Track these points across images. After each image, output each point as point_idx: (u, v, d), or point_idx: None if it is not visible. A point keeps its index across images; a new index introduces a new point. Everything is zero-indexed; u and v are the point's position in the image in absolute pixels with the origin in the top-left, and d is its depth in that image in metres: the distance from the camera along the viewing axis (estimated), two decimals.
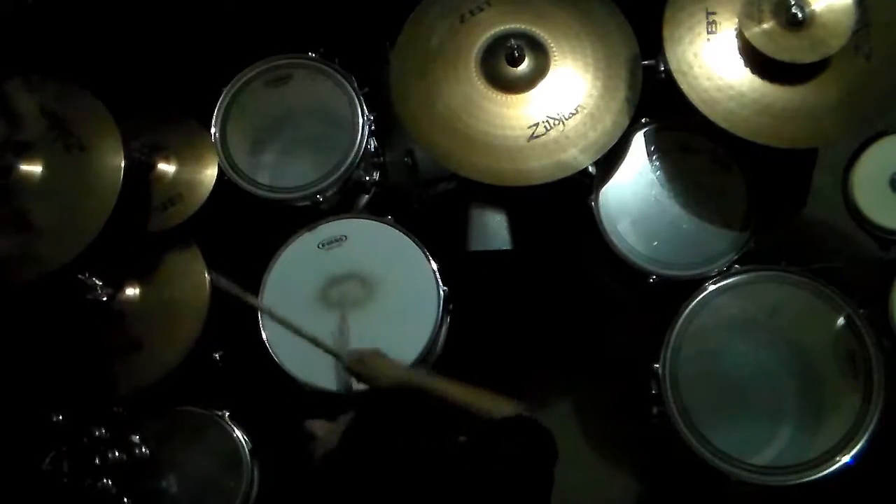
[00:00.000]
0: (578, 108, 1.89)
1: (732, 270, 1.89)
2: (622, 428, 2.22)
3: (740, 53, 1.79)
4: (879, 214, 1.86)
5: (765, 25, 1.73)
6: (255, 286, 1.96)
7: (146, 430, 1.90)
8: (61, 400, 1.83)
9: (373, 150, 2.15)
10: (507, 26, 1.97)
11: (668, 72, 1.81)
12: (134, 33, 2.15)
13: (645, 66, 1.92)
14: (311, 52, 2.12)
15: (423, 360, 1.87)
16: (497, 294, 2.22)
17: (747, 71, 1.78)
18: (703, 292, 1.87)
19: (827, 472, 1.69)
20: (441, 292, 1.91)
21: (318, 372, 1.86)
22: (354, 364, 1.68)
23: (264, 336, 1.91)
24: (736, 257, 1.92)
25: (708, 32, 1.81)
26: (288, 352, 1.89)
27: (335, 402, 1.84)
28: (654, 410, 1.86)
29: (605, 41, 1.94)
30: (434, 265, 1.95)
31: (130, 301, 2.04)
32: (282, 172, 2.18)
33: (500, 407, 1.43)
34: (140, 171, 2.05)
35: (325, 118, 2.17)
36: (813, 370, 1.88)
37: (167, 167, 2.09)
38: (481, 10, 1.99)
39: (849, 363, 1.79)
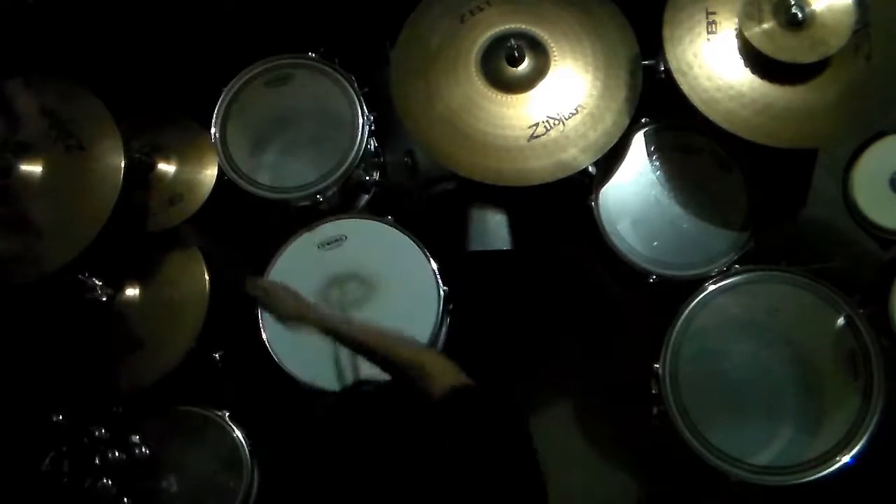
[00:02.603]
0: (578, 108, 1.89)
1: (732, 270, 1.89)
2: (622, 428, 2.22)
3: (740, 53, 1.79)
4: (879, 214, 1.86)
5: (765, 25, 1.73)
6: None
7: (146, 430, 1.90)
8: (61, 400, 1.83)
9: (373, 150, 2.15)
10: (507, 26, 1.97)
11: (668, 72, 1.81)
12: (134, 33, 2.15)
13: (645, 66, 1.92)
14: (311, 52, 2.12)
15: None
16: (497, 294, 2.22)
17: (747, 71, 1.78)
18: (703, 292, 1.87)
19: (827, 472, 1.69)
20: (441, 292, 1.91)
21: (318, 372, 1.86)
22: (256, 290, 1.65)
23: (264, 336, 1.91)
24: (736, 257, 1.92)
25: (708, 32, 1.81)
26: (288, 352, 1.89)
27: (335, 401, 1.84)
28: (654, 410, 1.86)
29: (605, 41, 1.94)
30: (434, 265, 1.95)
31: (130, 301, 2.05)
32: (282, 172, 2.18)
33: (425, 360, 1.33)
34: (140, 171, 2.05)
35: (325, 118, 2.17)
36: (813, 370, 1.87)
37: (167, 167, 2.10)
38: (481, 10, 1.99)
39: (849, 363, 1.79)
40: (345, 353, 1.83)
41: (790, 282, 1.86)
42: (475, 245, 2.12)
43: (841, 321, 1.81)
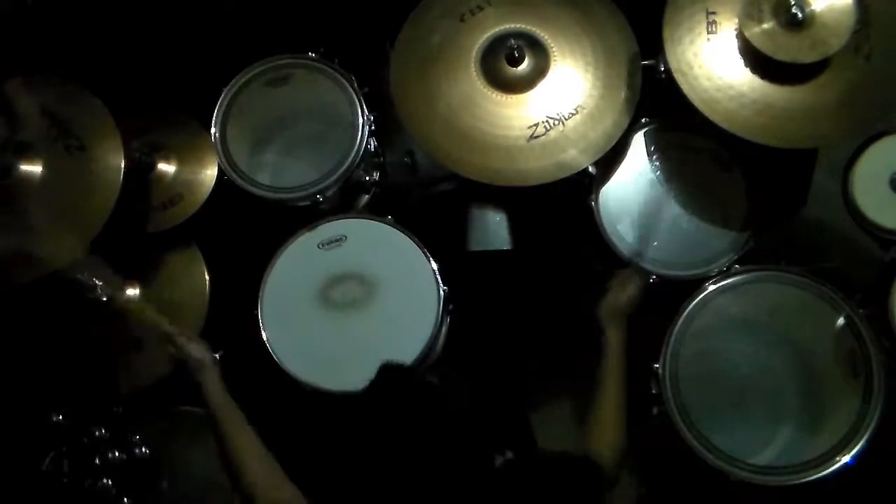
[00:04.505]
0: (578, 109, 1.89)
1: (732, 270, 1.89)
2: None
3: (740, 53, 1.79)
4: (879, 214, 1.86)
5: (765, 25, 1.73)
6: (255, 286, 1.96)
7: (146, 430, 1.91)
8: (61, 400, 1.83)
9: (373, 150, 2.15)
10: (507, 26, 1.96)
11: (668, 72, 1.81)
12: (134, 33, 2.15)
13: (645, 66, 1.92)
14: (311, 52, 2.12)
15: (422, 361, 1.87)
16: (497, 294, 2.22)
17: (747, 71, 1.78)
18: (703, 292, 1.87)
19: (827, 472, 1.69)
20: (441, 292, 1.91)
21: (318, 372, 1.86)
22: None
23: (264, 336, 1.91)
24: (736, 257, 1.92)
25: (708, 32, 1.81)
26: (288, 352, 1.89)
27: (335, 402, 1.84)
28: (654, 410, 1.86)
29: (605, 41, 1.94)
30: (434, 265, 1.94)
31: (130, 301, 2.05)
32: (282, 172, 2.18)
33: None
34: (140, 171, 2.05)
35: (325, 118, 2.17)
36: (813, 370, 1.88)
37: (167, 167, 2.10)
38: (481, 9, 1.98)
39: (849, 363, 1.79)
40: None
41: (790, 282, 1.86)
42: (475, 245, 2.12)
43: (841, 321, 1.81)
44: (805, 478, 1.70)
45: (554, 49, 1.94)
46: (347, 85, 2.09)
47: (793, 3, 1.70)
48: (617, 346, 1.66)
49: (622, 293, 1.75)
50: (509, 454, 1.28)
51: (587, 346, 2.31)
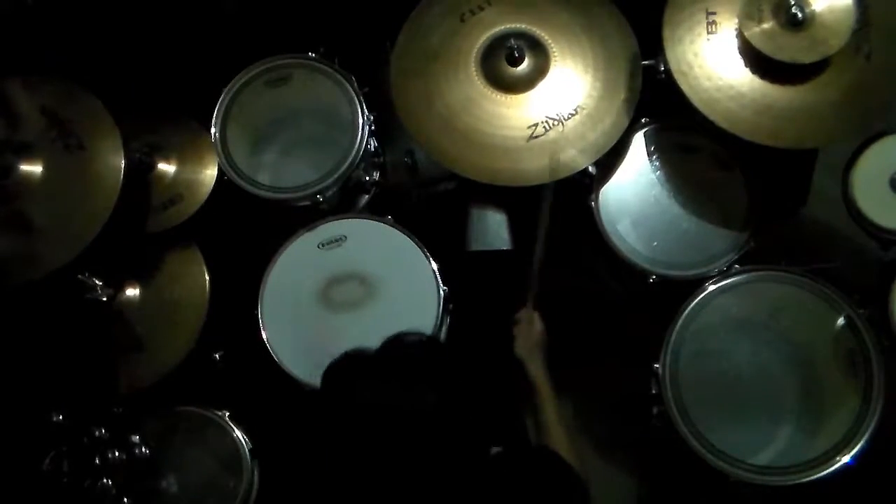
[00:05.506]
0: (578, 109, 1.89)
1: (732, 270, 1.89)
2: (622, 428, 2.22)
3: (740, 53, 1.79)
4: (879, 214, 1.86)
5: (765, 25, 1.73)
6: (255, 286, 1.96)
7: (146, 430, 1.90)
8: (61, 400, 1.83)
9: (373, 150, 2.15)
10: (507, 26, 1.97)
11: (668, 72, 1.81)
12: (134, 33, 2.15)
13: (645, 66, 1.92)
14: (311, 52, 2.12)
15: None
16: (497, 294, 2.22)
17: (747, 71, 1.78)
18: (703, 292, 1.87)
19: (827, 472, 1.69)
20: (441, 292, 1.91)
21: (318, 372, 1.86)
22: None
23: (264, 336, 1.91)
24: (736, 257, 1.92)
25: (708, 32, 1.81)
26: (288, 352, 1.89)
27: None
28: (654, 410, 1.87)
29: (605, 41, 1.94)
30: (434, 265, 1.94)
31: (130, 301, 2.05)
32: (282, 172, 2.18)
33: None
34: (140, 171, 2.05)
35: (325, 118, 2.17)
36: (813, 370, 1.88)
37: (167, 167, 2.10)
38: (481, 9, 1.99)
39: (849, 363, 1.79)
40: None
41: (790, 282, 1.86)
42: (475, 245, 2.12)
43: (841, 321, 1.81)
44: (805, 478, 1.70)
45: (554, 49, 1.94)
46: (347, 85, 2.09)
47: (793, 3, 1.70)
48: (541, 381, 1.71)
49: (530, 330, 1.80)
50: (496, 449, 1.30)
51: (586, 346, 2.32)
